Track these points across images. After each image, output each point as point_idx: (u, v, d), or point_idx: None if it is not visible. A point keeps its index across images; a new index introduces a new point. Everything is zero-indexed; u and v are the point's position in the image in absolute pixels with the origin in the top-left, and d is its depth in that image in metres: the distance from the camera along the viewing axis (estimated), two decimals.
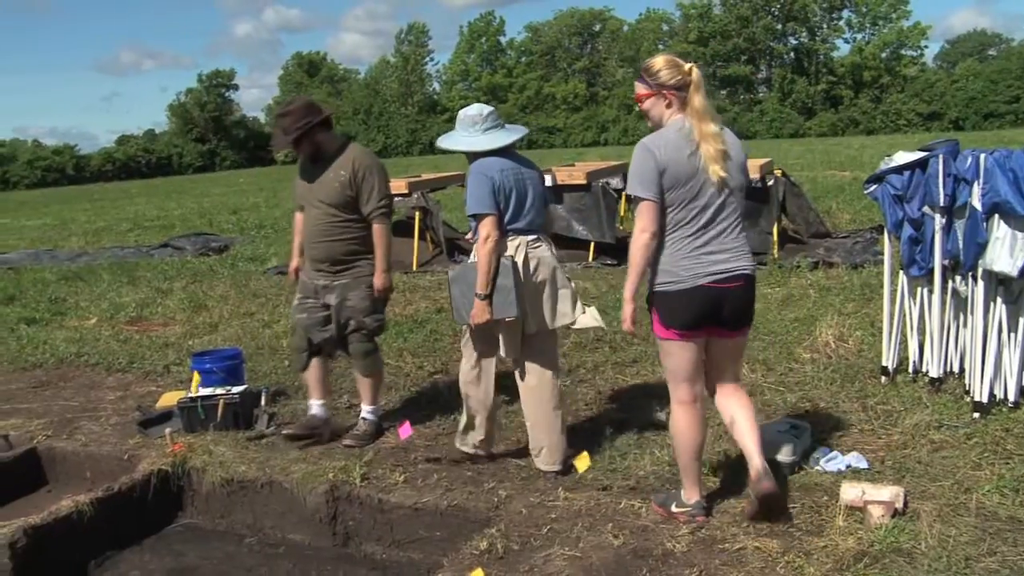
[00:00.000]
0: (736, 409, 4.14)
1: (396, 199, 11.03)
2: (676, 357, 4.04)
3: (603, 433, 5.34)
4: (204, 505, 5.28)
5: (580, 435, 5.33)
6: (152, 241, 17.91)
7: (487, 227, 4.53)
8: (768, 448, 4.51)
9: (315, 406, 5.64)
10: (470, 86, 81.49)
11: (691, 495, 4.16)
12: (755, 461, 3.98)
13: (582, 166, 12.86)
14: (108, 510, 4.96)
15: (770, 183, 10.88)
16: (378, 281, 5.32)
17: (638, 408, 5.77)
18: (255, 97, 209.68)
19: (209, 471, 5.23)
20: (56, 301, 11.46)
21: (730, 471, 4.61)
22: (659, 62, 3.92)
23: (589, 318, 4.96)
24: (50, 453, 5.90)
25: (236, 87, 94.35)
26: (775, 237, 10.70)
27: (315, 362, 5.59)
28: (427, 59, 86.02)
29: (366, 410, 5.62)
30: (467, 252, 12.15)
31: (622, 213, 12.58)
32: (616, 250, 11.45)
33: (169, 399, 6.40)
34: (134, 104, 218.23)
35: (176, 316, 9.89)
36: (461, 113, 4.88)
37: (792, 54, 70.73)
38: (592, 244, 11.57)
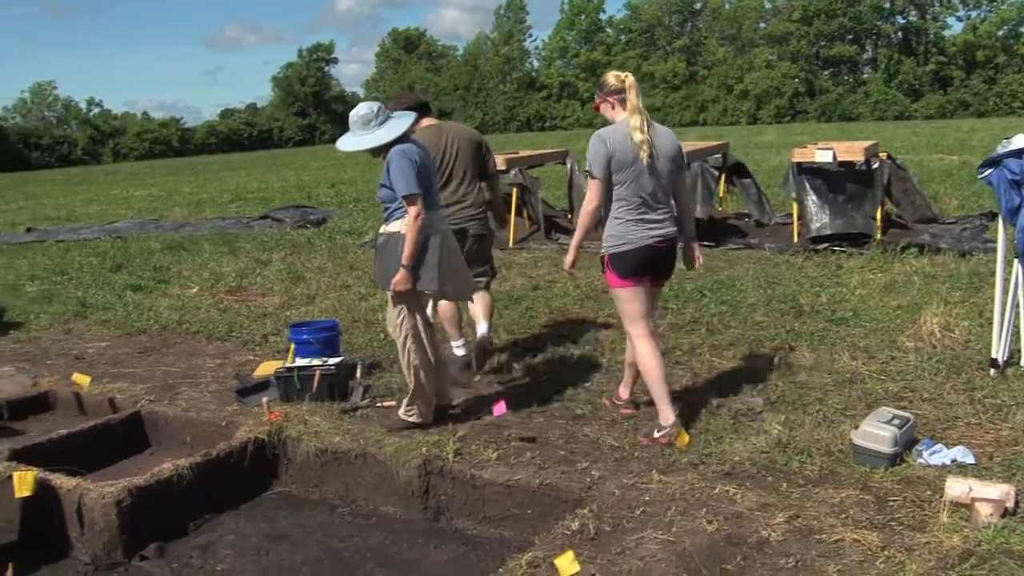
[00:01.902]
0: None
1: None
2: (631, 302, 5.10)
3: (698, 416, 5.26)
4: (298, 474, 5.36)
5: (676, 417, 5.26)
6: (252, 213, 18.26)
7: (417, 206, 5.01)
8: (870, 438, 4.40)
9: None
10: (568, 63, 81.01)
11: (667, 416, 4.96)
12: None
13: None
14: (206, 474, 5.07)
15: (875, 166, 10.58)
16: None
17: (734, 392, 5.66)
18: (354, 72, 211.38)
19: (304, 441, 5.30)
20: (160, 270, 11.77)
21: (825, 458, 4.50)
22: (607, 77, 5.07)
23: None
24: (153, 417, 6.06)
25: (335, 61, 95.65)
26: (878, 221, 10.40)
27: None
28: (526, 36, 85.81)
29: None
30: (565, 230, 12.18)
31: (721, 193, 12.38)
32: (711, 231, 11.29)
33: (266, 368, 6.50)
34: (237, 78, 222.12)
35: (274, 287, 10.06)
36: (354, 115, 5.29)
37: (900, 33, 68.56)
38: None
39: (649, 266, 5.05)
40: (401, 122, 5.27)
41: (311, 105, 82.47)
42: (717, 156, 12.38)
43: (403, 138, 5.22)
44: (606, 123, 5.07)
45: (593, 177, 4.93)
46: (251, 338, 7.84)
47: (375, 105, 5.27)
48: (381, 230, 5.32)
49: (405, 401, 5.43)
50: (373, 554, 4.53)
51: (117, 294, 10.24)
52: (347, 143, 5.34)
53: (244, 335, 7.95)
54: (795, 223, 10.88)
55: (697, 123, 65.17)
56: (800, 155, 10.80)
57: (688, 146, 12.20)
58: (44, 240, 15.83)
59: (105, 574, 4.58)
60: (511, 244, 11.90)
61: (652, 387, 5.04)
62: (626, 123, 4.90)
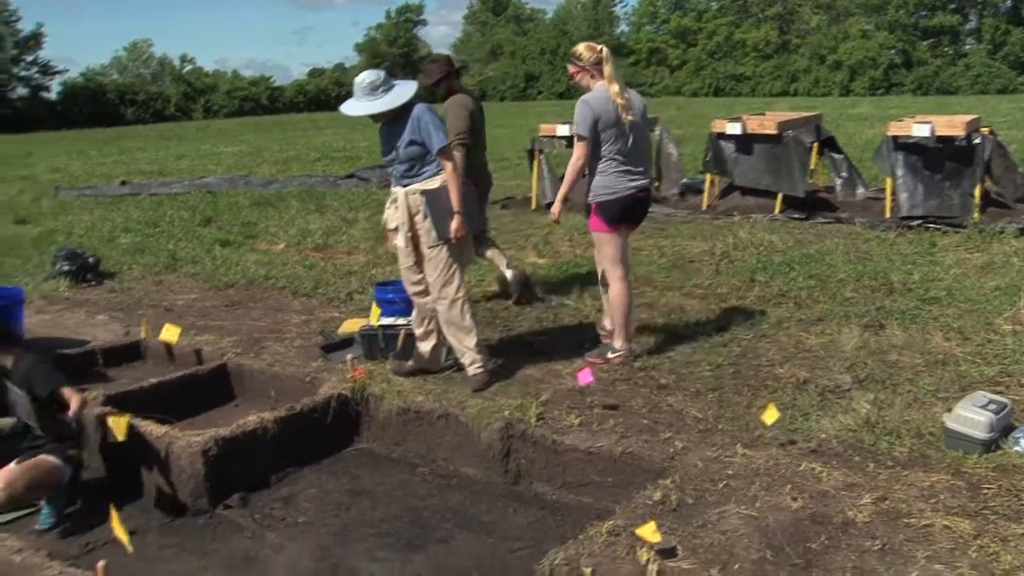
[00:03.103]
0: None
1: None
2: (612, 245, 5.76)
3: (784, 391, 5.17)
4: (380, 431, 5.41)
5: (760, 392, 5.18)
6: (339, 171, 18.41)
7: (458, 154, 5.57)
8: (964, 423, 4.27)
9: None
10: (658, 29, 79.76)
11: (623, 344, 5.82)
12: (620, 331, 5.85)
13: (772, 116, 12.39)
14: (290, 428, 5.15)
15: (976, 141, 10.21)
16: None
17: (821, 368, 5.55)
18: (442, 34, 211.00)
19: (387, 399, 5.35)
20: (248, 225, 11.95)
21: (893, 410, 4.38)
22: (581, 48, 5.70)
23: None
24: (238, 369, 6.17)
25: (424, 23, 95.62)
26: (977, 199, 10.06)
27: None
28: (615, 1, 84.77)
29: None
30: (652, 198, 12.02)
31: (812, 166, 12.11)
32: (805, 204, 11.06)
33: (351, 326, 6.56)
34: (325, 38, 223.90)
35: (360, 245, 10.15)
36: (361, 81, 5.44)
37: (1009, 1, 65.87)
38: (779, 196, 11.18)
39: (631, 213, 5.80)
40: (410, 86, 5.50)
41: (399, 66, 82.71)
42: (811, 129, 12.09)
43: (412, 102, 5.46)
44: (584, 92, 5.67)
45: (581, 138, 5.58)
46: (336, 295, 7.92)
47: (381, 72, 5.50)
48: (415, 188, 5.40)
49: (468, 360, 5.51)
50: (452, 514, 4.56)
51: (206, 248, 10.43)
52: (355, 108, 5.52)
53: (329, 292, 8.04)
54: (887, 198, 10.59)
55: (787, 94, 63.60)
56: (896, 129, 10.48)
57: (779, 117, 11.98)
58: (138, 193, 16.17)
59: (191, 520, 4.70)
60: None
61: (618, 319, 5.81)
62: (605, 89, 5.58)
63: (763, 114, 12.76)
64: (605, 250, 5.80)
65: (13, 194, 17.05)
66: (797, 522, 3.69)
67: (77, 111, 58.98)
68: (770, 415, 4.57)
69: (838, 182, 12.07)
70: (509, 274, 7.31)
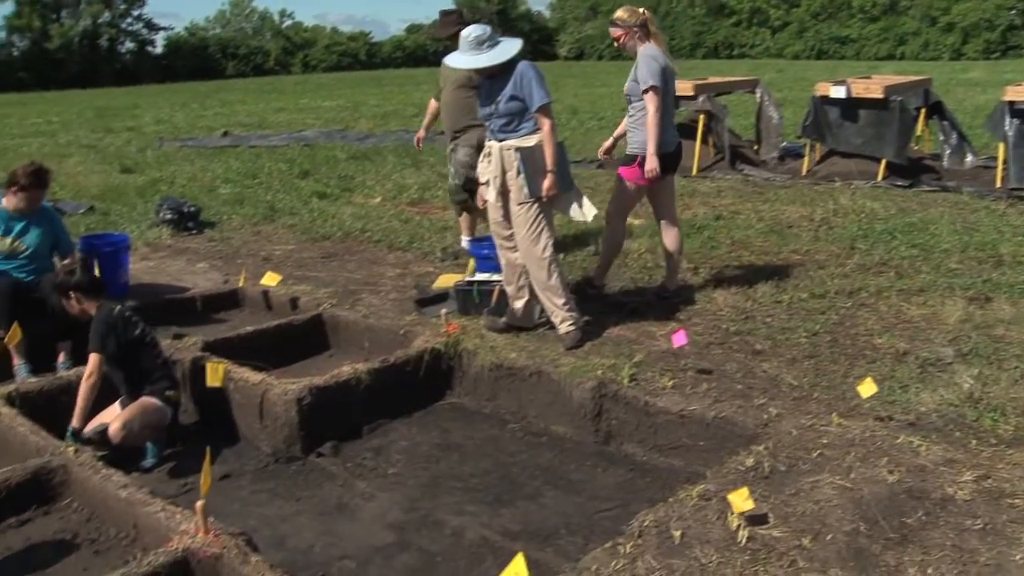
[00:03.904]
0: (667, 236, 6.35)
1: (681, 101, 10.80)
2: (635, 199, 6.32)
3: (883, 362, 5.05)
4: (472, 387, 5.45)
5: (857, 361, 5.07)
6: (435, 128, 18.42)
7: (552, 114, 5.43)
8: None
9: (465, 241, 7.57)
10: None
11: (599, 278, 6.51)
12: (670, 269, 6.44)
13: (879, 79, 12.02)
14: (383, 380, 5.21)
15: None
16: None
17: (922, 340, 5.40)
18: None
19: (480, 354, 5.37)
20: (345, 178, 12.10)
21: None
22: (623, 12, 5.97)
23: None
24: (333, 320, 6.26)
25: None
26: None
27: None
28: None
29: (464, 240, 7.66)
30: (750, 161, 11.86)
31: (919, 132, 11.75)
32: (909, 171, 10.74)
33: (446, 281, 6.60)
34: None
35: None
36: (468, 35, 5.43)
37: None
38: (883, 162, 10.87)
39: (670, 166, 6.11)
40: (514, 44, 5.51)
41: (497, 23, 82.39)
42: (919, 94, 11.70)
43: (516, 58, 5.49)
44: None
45: (655, 88, 5.76)
46: (431, 250, 7.98)
47: (487, 28, 5.49)
48: (511, 143, 5.40)
49: (558, 318, 5.52)
50: (541, 472, 4.58)
51: (303, 200, 10.59)
52: (460, 61, 5.55)
53: (424, 247, 8.10)
54: (999, 167, 10.20)
55: (894, 57, 61.58)
56: (1014, 94, 10.03)
57: (886, 81, 11.61)
58: (237, 145, 16.49)
59: (284, 466, 4.79)
60: (695, 172, 11.65)
61: (608, 258, 6.51)
62: (654, 47, 5.90)
63: (868, 77, 12.39)
64: (625, 201, 6.24)
65: (120, 144, 17.55)
66: (893, 496, 3.61)
67: (181, 65, 60.39)
68: (867, 388, 4.46)
69: (945, 149, 11.68)
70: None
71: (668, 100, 5.96)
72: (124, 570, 3.23)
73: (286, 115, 23.56)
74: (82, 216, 9.87)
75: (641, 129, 5.93)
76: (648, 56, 5.84)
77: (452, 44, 6.41)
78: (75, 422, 4.65)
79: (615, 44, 6.09)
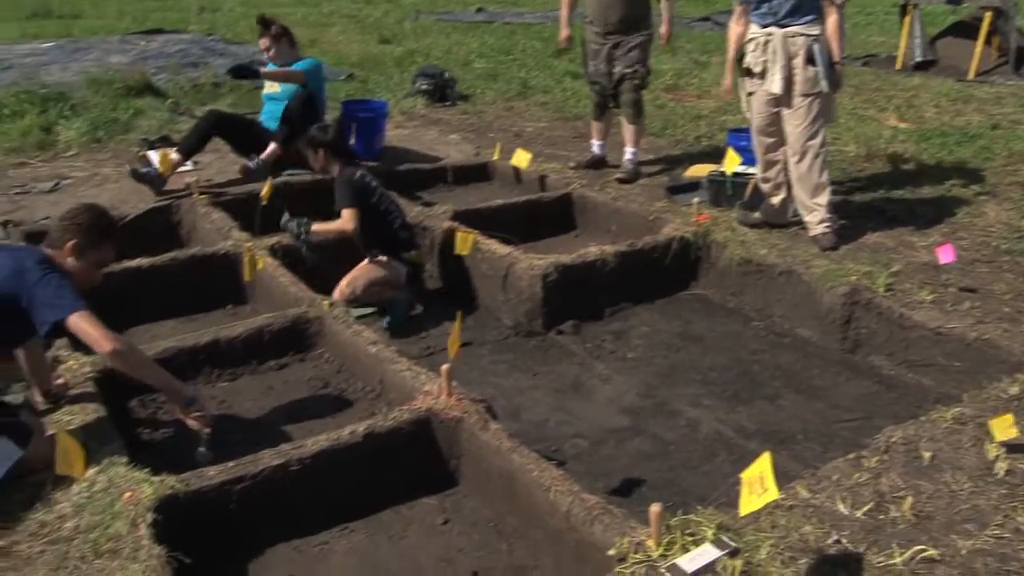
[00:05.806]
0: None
1: None
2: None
3: None
4: (718, 280, 5.33)
5: None
6: (693, 13, 17.92)
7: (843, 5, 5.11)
8: None
9: (596, 146, 7.05)
10: None
11: None
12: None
13: None
14: (628, 264, 5.17)
15: None
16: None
17: None
18: None
19: (730, 248, 5.23)
20: None
21: None
22: None
23: None
24: (582, 200, 6.25)
25: None
26: None
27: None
28: None
29: (629, 152, 6.76)
30: None
31: None
32: None
33: (699, 170, 6.45)
34: None
35: (711, 90, 9.87)
36: None
37: None
38: None
39: None
40: None
41: None
42: None
43: None
44: None
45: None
46: (683, 138, 7.81)
47: None
48: (798, 31, 5.07)
49: (816, 218, 5.29)
50: (782, 373, 4.46)
51: (556, 79, 10.56)
52: None
53: (677, 134, 7.93)
54: None
55: None
56: None
57: None
58: (492, 21, 16.56)
59: (524, 340, 4.89)
60: (971, 76, 10.76)
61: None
62: None
63: None
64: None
65: (379, 16, 18.00)
66: None
67: None
68: (1002, 425, 4.00)
69: None
70: None
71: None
72: (370, 422, 3.38)
73: None
74: (342, 82, 10.23)
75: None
76: None
77: None
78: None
79: None
